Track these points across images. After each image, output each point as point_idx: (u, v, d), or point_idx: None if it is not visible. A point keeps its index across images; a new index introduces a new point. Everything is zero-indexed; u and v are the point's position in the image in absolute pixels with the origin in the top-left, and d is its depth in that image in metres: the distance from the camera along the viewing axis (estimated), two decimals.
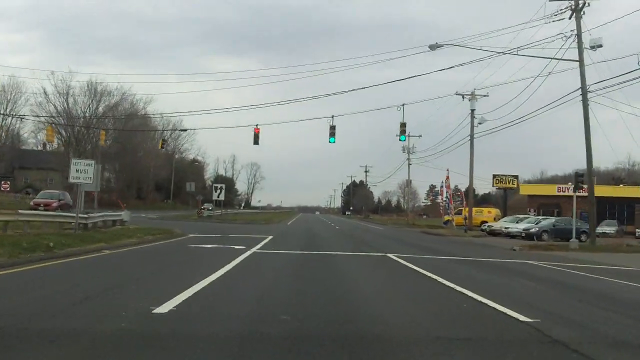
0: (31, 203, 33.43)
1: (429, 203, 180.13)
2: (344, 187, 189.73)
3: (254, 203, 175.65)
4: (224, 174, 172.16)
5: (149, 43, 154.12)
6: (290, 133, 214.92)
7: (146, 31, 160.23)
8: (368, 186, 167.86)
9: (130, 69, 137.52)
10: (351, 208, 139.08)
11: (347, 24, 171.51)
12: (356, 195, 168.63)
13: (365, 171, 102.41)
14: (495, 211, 56.82)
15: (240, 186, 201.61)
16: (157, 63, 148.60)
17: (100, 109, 78.50)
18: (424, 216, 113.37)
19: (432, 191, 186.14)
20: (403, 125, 30.85)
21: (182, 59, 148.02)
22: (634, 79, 23.53)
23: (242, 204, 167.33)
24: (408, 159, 65.14)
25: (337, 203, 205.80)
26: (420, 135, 65.29)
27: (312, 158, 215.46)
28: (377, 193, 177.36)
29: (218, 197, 45.68)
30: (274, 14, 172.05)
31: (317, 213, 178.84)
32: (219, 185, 46.02)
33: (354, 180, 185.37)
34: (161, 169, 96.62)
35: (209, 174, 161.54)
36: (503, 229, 37.51)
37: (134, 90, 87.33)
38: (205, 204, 55.04)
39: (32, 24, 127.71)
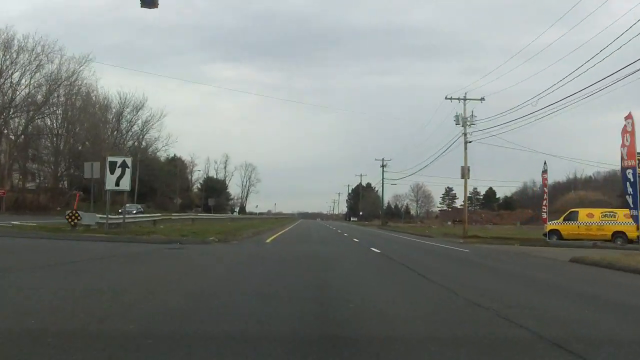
0: None
1: (444, 208, 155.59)
2: (349, 191, 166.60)
3: (250, 208, 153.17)
4: (215, 176, 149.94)
5: (150, 50, 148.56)
6: (291, 136, 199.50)
7: (147, 38, 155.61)
8: (376, 189, 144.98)
9: (131, 75, 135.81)
10: (361, 213, 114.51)
11: (348, 30, 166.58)
12: (363, 199, 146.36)
13: (382, 166, 77.70)
14: None
15: (234, 190, 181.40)
16: (158, 70, 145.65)
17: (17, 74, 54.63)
18: (485, 224, 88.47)
19: (449, 194, 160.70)
20: None
21: (183, 66, 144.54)
22: None
23: (237, 209, 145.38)
24: (465, 133, 40.85)
25: (341, 208, 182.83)
26: (483, 99, 41.10)
27: (314, 163, 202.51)
28: (387, 196, 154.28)
29: (117, 184, 21.37)
30: (274, 20, 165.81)
31: (319, 220, 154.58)
32: (116, 160, 21.59)
33: (361, 183, 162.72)
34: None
35: (197, 175, 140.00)
36: None
37: (64, 47, 61.43)
38: (131, 205, 30.75)
39: (32, 30, 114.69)
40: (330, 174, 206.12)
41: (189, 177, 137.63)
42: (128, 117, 71.51)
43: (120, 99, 69.34)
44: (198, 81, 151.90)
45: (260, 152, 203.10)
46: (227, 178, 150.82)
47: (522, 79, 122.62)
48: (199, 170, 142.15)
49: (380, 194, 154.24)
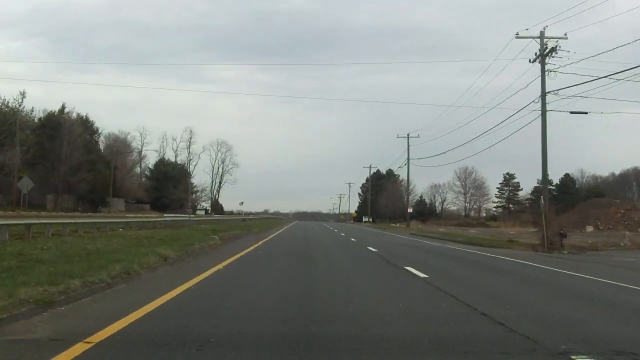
0: None
1: (503, 203, 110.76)
2: (365, 180, 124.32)
3: (231, 206, 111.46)
4: (173, 159, 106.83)
5: (149, 51, 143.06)
6: (289, 134, 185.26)
7: (146, 39, 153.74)
8: (400, 177, 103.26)
9: (131, 76, 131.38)
10: (410, 210, 70.70)
11: (348, 31, 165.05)
12: (384, 192, 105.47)
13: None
14: None
15: (202, 178, 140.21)
16: (158, 71, 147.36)
17: None
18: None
19: (509, 183, 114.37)
20: None
21: (183, 67, 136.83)
22: None
23: (208, 207, 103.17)
24: None
25: (352, 207, 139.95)
26: None
27: (312, 161, 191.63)
28: (421, 186, 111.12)
29: None
30: (275, 21, 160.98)
31: (323, 223, 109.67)
32: None
33: (378, 170, 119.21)
34: None
35: (150, 156, 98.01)
36: None
37: None
38: None
39: (32, 33, 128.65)
40: (329, 173, 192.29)
41: (133, 158, 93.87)
42: None
43: None
44: (196, 81, 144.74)
45: (256, 151, 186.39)
46: (191, 162, 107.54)
47: None
48: (166, 157, 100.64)
49: (404, 181, 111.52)
